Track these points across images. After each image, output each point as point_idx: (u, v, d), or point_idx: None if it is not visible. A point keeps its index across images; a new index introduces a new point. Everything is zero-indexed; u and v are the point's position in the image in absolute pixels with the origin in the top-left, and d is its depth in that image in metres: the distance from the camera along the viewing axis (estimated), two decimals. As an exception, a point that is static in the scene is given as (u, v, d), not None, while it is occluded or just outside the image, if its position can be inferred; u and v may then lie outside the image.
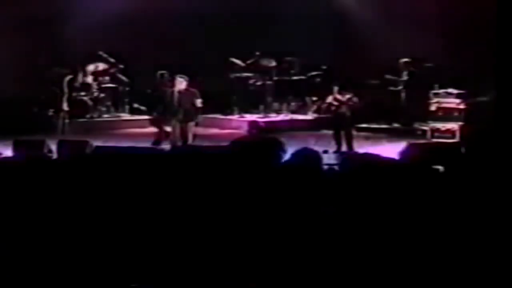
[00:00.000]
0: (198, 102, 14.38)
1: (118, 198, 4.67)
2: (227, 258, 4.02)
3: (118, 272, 4.23)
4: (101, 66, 18.40)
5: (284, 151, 4.34)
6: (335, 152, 13.76)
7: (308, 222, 4.09)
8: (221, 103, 17.70)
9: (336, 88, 14.82)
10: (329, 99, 14.82)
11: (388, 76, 17.83)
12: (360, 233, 4.07)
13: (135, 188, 4.80)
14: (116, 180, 4.94)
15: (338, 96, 14.77)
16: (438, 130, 16.00)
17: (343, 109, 14.68)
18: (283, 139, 4.94)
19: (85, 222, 4.46)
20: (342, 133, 14.54)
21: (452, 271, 4.11)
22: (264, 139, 4.57)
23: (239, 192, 4.21)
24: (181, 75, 14.56)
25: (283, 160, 4.90)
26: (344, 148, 14.46)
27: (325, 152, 12.06)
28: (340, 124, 14.60)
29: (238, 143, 4.42)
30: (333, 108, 14.78)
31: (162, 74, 16.54)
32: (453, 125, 16.01)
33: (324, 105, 14.94)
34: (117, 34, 17.45)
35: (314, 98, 15.18)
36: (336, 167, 5.08)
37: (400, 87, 17.70)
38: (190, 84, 14.57)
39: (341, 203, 4.20)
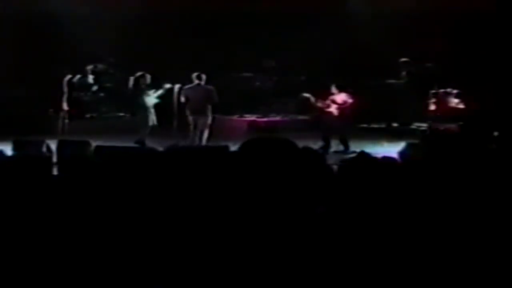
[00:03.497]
0: (215, 97, 14.64)
1: (118, 198, 4.68)
2: (226, 259, 4.03)
3: (118, 272, 4.24)
4: (101, 66, 18.42)
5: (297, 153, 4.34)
6: (323, 151, 13.78)
7: (307, 222, 4.10)
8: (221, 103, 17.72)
9: (333, 86, 14.89)
10: (329, 100, 14.88)
11: (388, 81, 17.88)
12: (357, 233, 4.08)
13: (135, 187, 4.81)
14: (116, 180, 4.95)
15: (336, 98, 14.82)
16: (437, 129, 16.00)
17: (333, 111, 14.76)
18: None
19: (85, 222, 4.47)
20: (333, 134, 14.64)
21: (451, 272, 4.12)
22: (276, 140, 4.56)
23: (238, 192, 4.23)
24: (198, 73, 14.71)
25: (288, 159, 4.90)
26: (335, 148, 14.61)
27: None
28: (328, 126, 14.70)
29: (249, 143, 4.42)
30: (326, 109, 14.85)
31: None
32: (453, 125, 16.02)
33: (322, 105, 14.98)
34: (119, 34, 17.46)
35: (307, 95, 15.16)
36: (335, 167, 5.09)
37: (399, 87, 17.73)
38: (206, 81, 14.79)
39: (339, 203, 4.21)
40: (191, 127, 14.81)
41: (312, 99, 15.01)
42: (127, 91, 15.44)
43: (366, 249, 4.01)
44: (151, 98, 14.83)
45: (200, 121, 14.73)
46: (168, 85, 14.90)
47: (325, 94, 15.04)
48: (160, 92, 14.88)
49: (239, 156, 4.53)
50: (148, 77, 14.93)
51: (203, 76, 14.76)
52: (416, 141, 12.85)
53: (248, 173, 4.43)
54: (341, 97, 14.84)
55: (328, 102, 14.87)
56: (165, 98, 15.08)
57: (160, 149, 6.21)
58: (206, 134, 14.74)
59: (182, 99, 14.77)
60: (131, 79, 15.06)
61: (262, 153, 4.42)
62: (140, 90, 14.85)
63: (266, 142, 4.56)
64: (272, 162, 4.45)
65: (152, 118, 14.82)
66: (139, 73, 15.01)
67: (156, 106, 14.97)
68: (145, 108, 14.83)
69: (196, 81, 14.77)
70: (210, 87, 14.80)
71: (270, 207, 4.17)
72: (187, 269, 4.11)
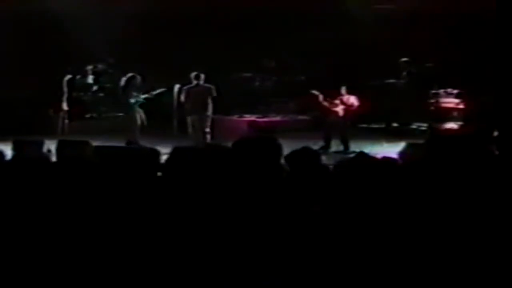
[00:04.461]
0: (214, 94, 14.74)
1: (118, 198, 4.68)
2: (223, 258, 4.03)
3: (118, 272, 4.24)
4: (101, 66, 18.43)
5: (281, 151, 4.35)
6: (322, 152, 13.82)
7: (304, 222, 4.10)
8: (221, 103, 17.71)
9: (343, 88, 14.99)
10: (337, 100, 14.96)
11: (388, 81, 17.87)
12: (355, 234, 4.08)
13: (134, 188, 4.81)
14: (115, 180, 4.95)
15: (345, 99, 14.93)
16: (442, 130, 15.99)
17: (339, 111, 14.85)
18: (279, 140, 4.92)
19: (84, 223, 4.47)
20: (335, 135, 14.73)
21: (451, 273, 4.12)
22: (261, 138, 4.55)
23: (237, 192, 4.23)
24: (197, 72, 14.79)
25: (280, 160, 4.90)
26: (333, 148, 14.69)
27: None
28: (332, 126, 14.79)
29: (239, 143, 4.44)
30: (333, 108, 14.94)
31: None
32: (453, 125, 16.02)
33: (329, 104, 15.05)
34: (119, 34, 17.44)
35: (317, 93, 15.22)
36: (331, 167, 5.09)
37: (399, 87, 17.72)
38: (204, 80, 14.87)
39: (337, 203, 4.21)
40: (191, 128, 14.87)
41: (321, 97, 15.09)
42: (117, 92, 15.57)
43: (363, 250, 4.01)
44: (140, 99, 14.94)
45: (201, 121, 14.78)
46: (158, 90, 15.05)
47: (331, 94, 15.12)
48: (148, 95, 15.02)
49: (232, 155, 4.52)
50: (139, 79, 15.04)
51: (202, 76, 14.82)
52: (416, 141, 12.83)
53: (242, 173, 4.42)
54: (349, 99, 14.96)
55: (336, 101, 14.97)
56: (164, 99, 15.15)
57: (160, 149, 6.20)
58: (209, 134, 14.79)
59: (182, 99, 14.85)
60: (122, 79, 15.18)
61: (255, 152, 4.42)
62: (130, 91, 14.95)
63: (257, 141, 4.55)
64: (264, 161, 4.45)
65: (141, 117, 14.92)
66: (130, 74, 15.13)
67: (153, 106, 15.07)
68: (133, 108, 14.93)
69: (195, 81, 14.83)
70: (209, 85, 14.87)
71: (264, 207, 4.17)
72: (185, 269, 4.11)
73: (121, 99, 15.30)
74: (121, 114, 18.08)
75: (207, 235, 4.16)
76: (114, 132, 15.97)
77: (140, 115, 14.92)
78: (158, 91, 15.13)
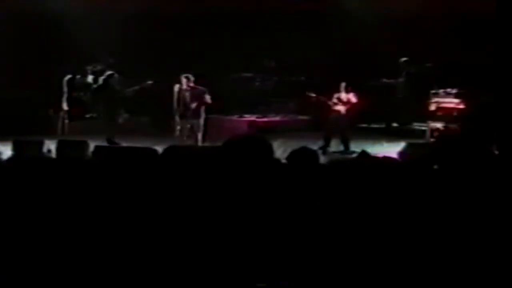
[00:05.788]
0: (208, 98, 14.61)
1: (115, 199, 4.68)
2: (221, 258, 4.03)
3: (117, 270, 4.24)
4: (101, 66, 18.41)
5: (271, 151, 4.34)
6: (322, 152, 13.84)
7: (303, 222, 4.10)
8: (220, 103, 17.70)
9: (342, 85, 15.00)
10: (334, 98, 14.98)
11: (385, 80, 17.88)
12: (355, 234, 4.08)
13: (131, 188, 4.80)
14: (113, 180, 4.95)
15: (342, 96, 14.95)
16: (437, 130, 15.99)
17: (340, 109, 14.87)
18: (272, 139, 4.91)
19: (85, 223, 4.47)
20: (336, 134, 14.75)
21: (450, 273, 4.11)
22: (249, 138, 4.54)
23: (233, 191, 4.23)
24: (187, 74, 14.73)
25: (276, 159, 4.89)
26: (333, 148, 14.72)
27: None
28: (334, 124, 14.80)
29: (230, 143, 4.43)
30: (332, 107, 14.96)
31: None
32: (453, 125, 16.01)
33: (328, 102, 15.07)
34: (119, 34, 17.43)
35: (312, 94, 15.26)
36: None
37: (399, 87, 17.73)
38: (196, 82, 14.76)
39: (336, 203, 4.21)
40: (188, 128, 14.77)
41: (320, 97, 15.16)
42: (97, 91, 15.69)
43: (362, 250, 4.01)
44: (120, 97, 15.08)
45: (194, 123, 14.70)
46: (137, 87, 15.19)
47: (329, 94, 15.14)
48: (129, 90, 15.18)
49: (223, 155, 4.52)
50: (117, 77, 15.11)
51: (191, 77, 14.74)
52: (416, 141, 12.87)
53: (234, 173, 4.42)
54: (346, 96, 14.98)
55: (334, 100, 15.00)
56: (162, 98, 15.20)
57: (158, 149, 6.21)
58: (200, 135, 14.71)
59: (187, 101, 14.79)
60: (100, 79, 15.27)
61: (244, 152, 4.41)
62: (109, 89, 15.05)
63: (245, 141, 4.54)
64: (254, 160, 4.44)
65: (123, 116, 15.01)
66: (108, 72, 15.22)
67: (151, 106, 15.13)
68: (113, 106, 15.02)
69: (185, 82, 14.71)
70: (202, 88, 14.79)
71: (262, 207, 4.17)
72: (185, 269, 4.11)
73: (103, 98, 15.39)
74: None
75: (204, 234, 4.16)
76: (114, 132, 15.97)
77: (122, 113, 15.03)
78: (135, 88, 15.31)
